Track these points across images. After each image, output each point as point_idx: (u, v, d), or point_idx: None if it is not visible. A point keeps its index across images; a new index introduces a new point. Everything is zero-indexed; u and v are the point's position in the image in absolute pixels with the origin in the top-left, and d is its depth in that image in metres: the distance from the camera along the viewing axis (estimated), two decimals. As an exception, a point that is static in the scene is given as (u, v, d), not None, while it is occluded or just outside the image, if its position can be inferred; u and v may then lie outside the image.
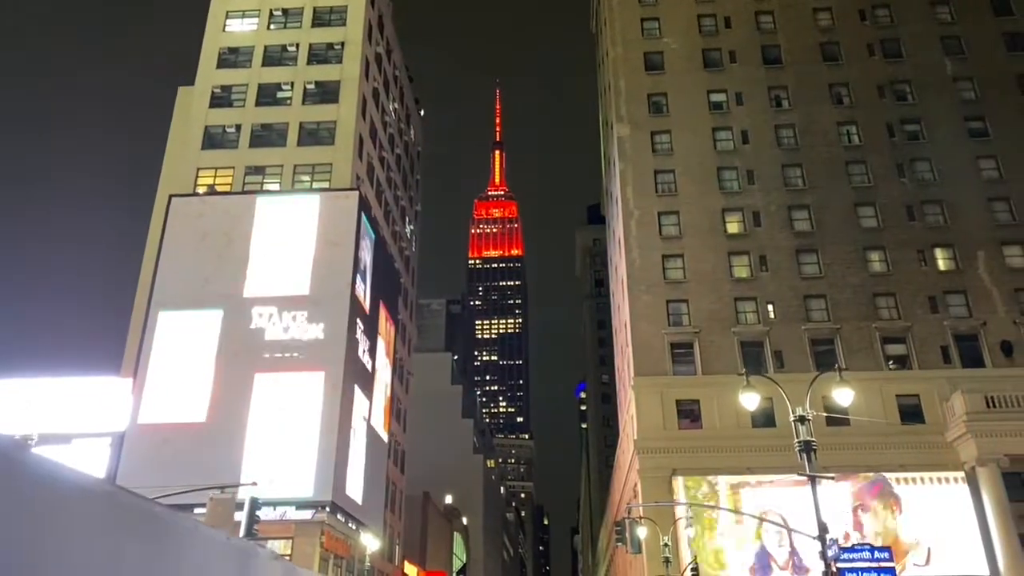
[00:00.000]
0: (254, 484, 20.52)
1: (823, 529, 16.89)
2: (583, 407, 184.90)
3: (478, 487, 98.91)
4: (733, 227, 49.90)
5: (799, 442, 17.78)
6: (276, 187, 47.66)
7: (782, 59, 54.48)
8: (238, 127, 49.50)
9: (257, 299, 43.19)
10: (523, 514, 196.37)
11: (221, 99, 50.64)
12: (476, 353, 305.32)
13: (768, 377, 22.56)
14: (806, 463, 17.72)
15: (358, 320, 44.78)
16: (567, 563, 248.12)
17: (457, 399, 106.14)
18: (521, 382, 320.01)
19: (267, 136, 49.33)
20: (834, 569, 16.48)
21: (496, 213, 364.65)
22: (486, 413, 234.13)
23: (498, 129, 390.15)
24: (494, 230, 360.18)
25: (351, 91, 50.22)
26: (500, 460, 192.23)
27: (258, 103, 50.27)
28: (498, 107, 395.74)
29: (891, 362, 45.57)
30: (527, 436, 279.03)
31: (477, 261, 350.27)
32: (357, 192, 46.03)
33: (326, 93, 50.36)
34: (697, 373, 45.91)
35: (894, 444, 42.39)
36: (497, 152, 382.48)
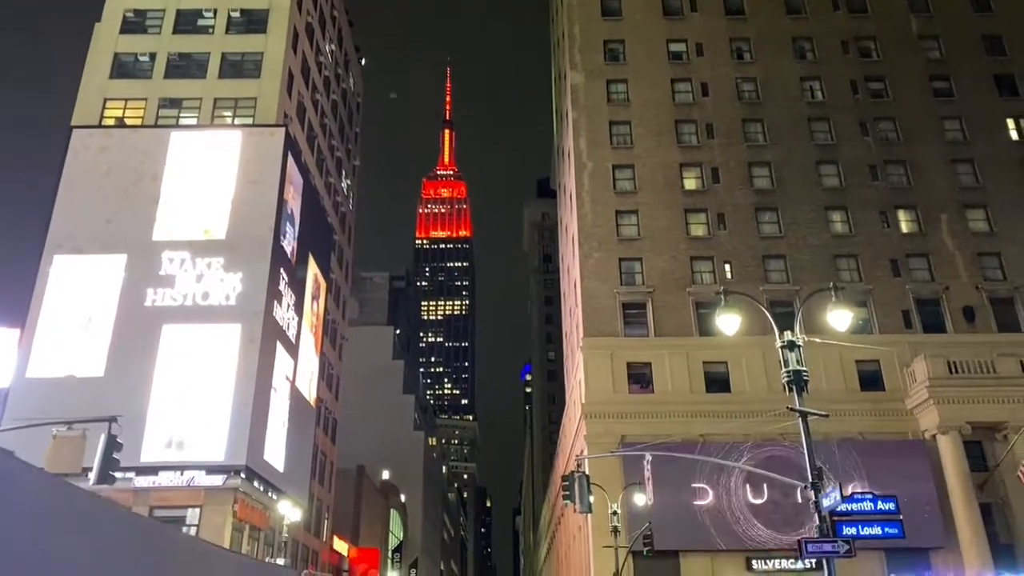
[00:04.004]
0: (114, 420, 16.62)
1: (817, 475, 13.82)
2: (528, 389, 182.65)
3: (418, 464, 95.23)
4: (690, 183, 47.08)
5: (787, 371, 14.67)
6: (194, 122, 42.88)
7: (744, 10, 51.70)
8: (152, 56, 44.43)
9: (167, 243, 38.69)
10: (465, 495, 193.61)
11: (134, 24, 45.40)
12: (422, 334, 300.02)
13: (750, 297, 19.49)
14: (796, 397, 14.63)
15: (281, 271, 40.59)
16: (508, 545, 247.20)
17: (399, 374, 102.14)
18: (467, 364, 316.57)
19: (185, 66, 44.38)
20: (830, 520, 13.44)
21: (445, 193, 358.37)
22: (431, 394, 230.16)
23: (448, 108, 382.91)
24: (442, 210, 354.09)
25: (281, 21, 45.54)
26: (444, 440, 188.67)
27: (176, 30, 45.21)
28: (448, 85, 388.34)
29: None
30: (471, 417, 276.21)
31: (424, 241, 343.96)
32: (284, 128, 41.60)
33: (253, 22, 45.60)
34: (649, 335, 43.08)
35: (852, 411, 40.23)
36: (447, 131, 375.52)
